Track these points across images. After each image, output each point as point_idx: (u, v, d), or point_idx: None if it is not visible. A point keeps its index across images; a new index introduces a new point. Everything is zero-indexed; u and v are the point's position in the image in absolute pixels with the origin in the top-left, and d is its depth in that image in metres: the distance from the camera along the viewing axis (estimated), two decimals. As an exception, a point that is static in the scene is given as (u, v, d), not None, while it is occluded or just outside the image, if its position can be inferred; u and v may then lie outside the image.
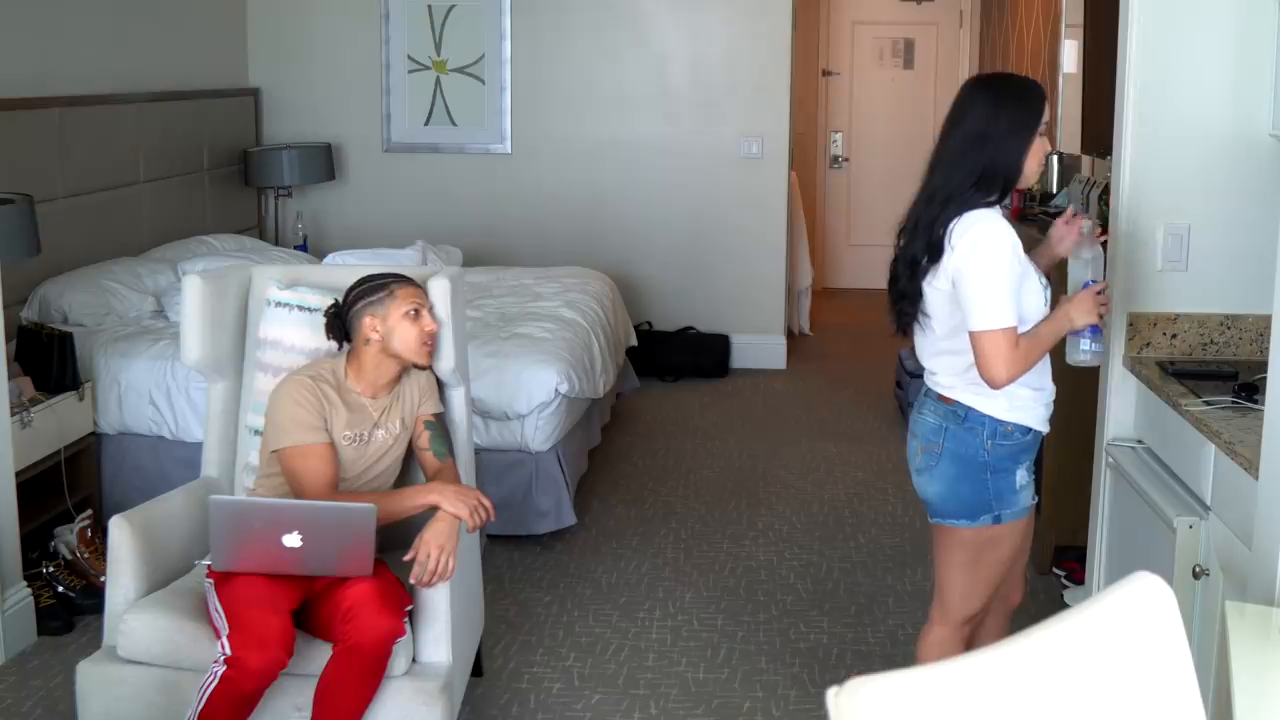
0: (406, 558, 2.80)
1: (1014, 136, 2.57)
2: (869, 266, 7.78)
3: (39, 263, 4.51)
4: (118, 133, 5.50)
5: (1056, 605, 3.85)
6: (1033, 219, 5.67)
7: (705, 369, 6.88)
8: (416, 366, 3.04)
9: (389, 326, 2.98)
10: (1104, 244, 2.85)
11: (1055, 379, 2.71)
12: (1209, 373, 3.01)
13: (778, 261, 7.09)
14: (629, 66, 6.97)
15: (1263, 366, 2.39)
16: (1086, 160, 5.92)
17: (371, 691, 2.75)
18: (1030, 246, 2.70)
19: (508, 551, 4.41)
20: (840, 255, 9.62)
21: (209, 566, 2.81)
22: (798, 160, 8.29)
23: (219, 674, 2.61)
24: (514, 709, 3.37)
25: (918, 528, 4.62)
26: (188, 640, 2.79)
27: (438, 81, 7.00)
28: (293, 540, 2.70)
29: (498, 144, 7.03)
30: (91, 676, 2.83)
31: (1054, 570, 4.13)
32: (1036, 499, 2.74)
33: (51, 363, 4.21)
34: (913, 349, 2.80)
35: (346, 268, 3.65)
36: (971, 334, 2.52)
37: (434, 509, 2.85)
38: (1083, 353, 2.68)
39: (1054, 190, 6.11)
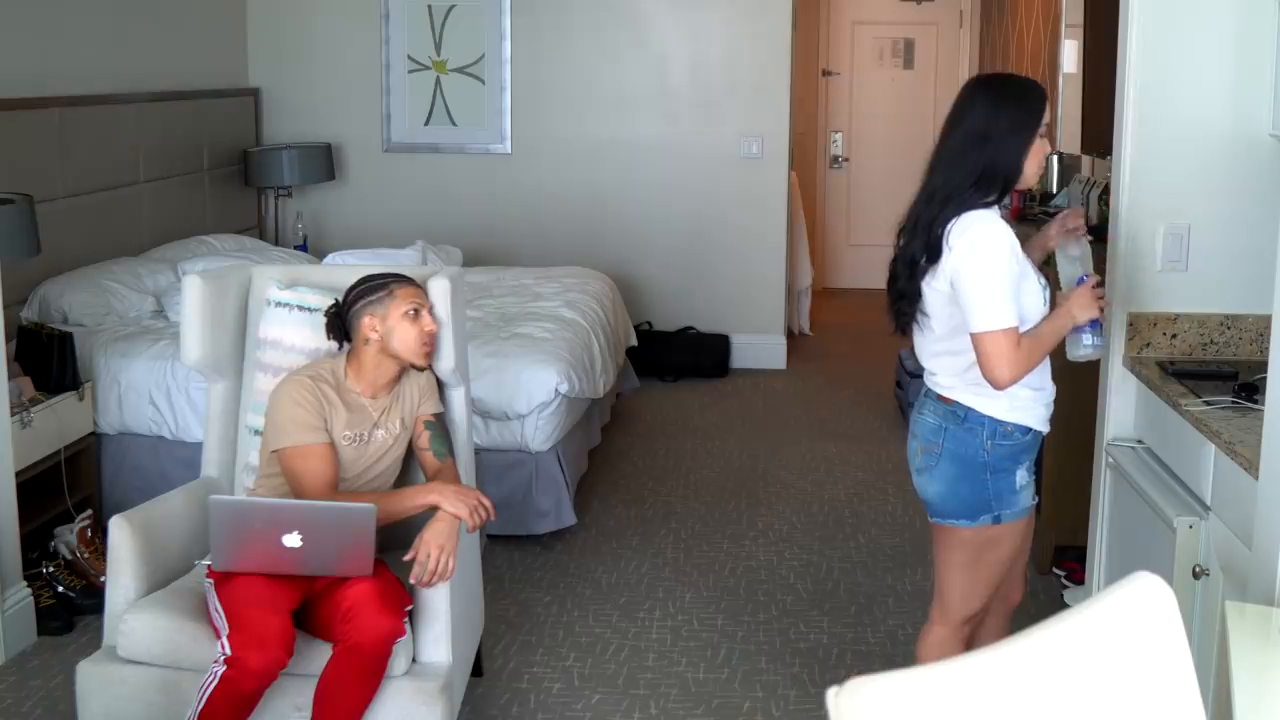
0: (406, 558, 2.80)
1: (1014, 137, 2.57)
2: (869, 266, 7.77)
3: (39, 263, 4.51)
4: (118, 133, 5.50)
5: (1056, 605, 3.85)
6: (1032, 219, 5.68)
7: (705, 369, 6.88)
8: (416, 367, 3.04)
9: (389, 326, 2.98)
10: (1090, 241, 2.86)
11: (1055, 379, 2.71)
12: (1209, 373, 3.01)
13: (778, 261, 7.09)
14: (629, 66, 6.97)
15: (1263, 366, 2.39)
16: (1086, 160, 5.92)
17: (371, 691, 2.75)
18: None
19: (508, 551, 4.41)
20: (840, 255, 9.62)
21: (209, 566, 2.81)
22: (798, 160, 8.29)
23: (219, 674, 2.61)
24: (514, 709, 3.37)
25: (918, 528, 4.62)
26: (188, 640, 2.79)
27: (438, 81, 7.00)
28: (293, 540, 2.70)
29: (498, 144, 7.03)
30: (91, 676, 2.83)
31: (1054, 570, 4.13)
32: (1037, 499, 2.74)
33: (51, 363, 4.21)
34: (912, 349, 2.80)
35: (346, 268, 3.65)
36: (973, 336, 2.52)
37: (434, 509, 2.85)
38: (1084, 347, 2.68)
39: (1054, 190, 6.12)
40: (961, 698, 1.34)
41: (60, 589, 3.87)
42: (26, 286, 4.79)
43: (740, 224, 7.01)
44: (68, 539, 3.97)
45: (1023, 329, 2.54)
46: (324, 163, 6.78)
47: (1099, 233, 4.01)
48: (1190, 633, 2.46)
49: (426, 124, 7.04)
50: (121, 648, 2.82)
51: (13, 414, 3.77)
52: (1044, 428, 2.68)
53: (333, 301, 3.10)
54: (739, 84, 6.92)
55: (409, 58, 6.98)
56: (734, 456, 5.53)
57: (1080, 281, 2.68)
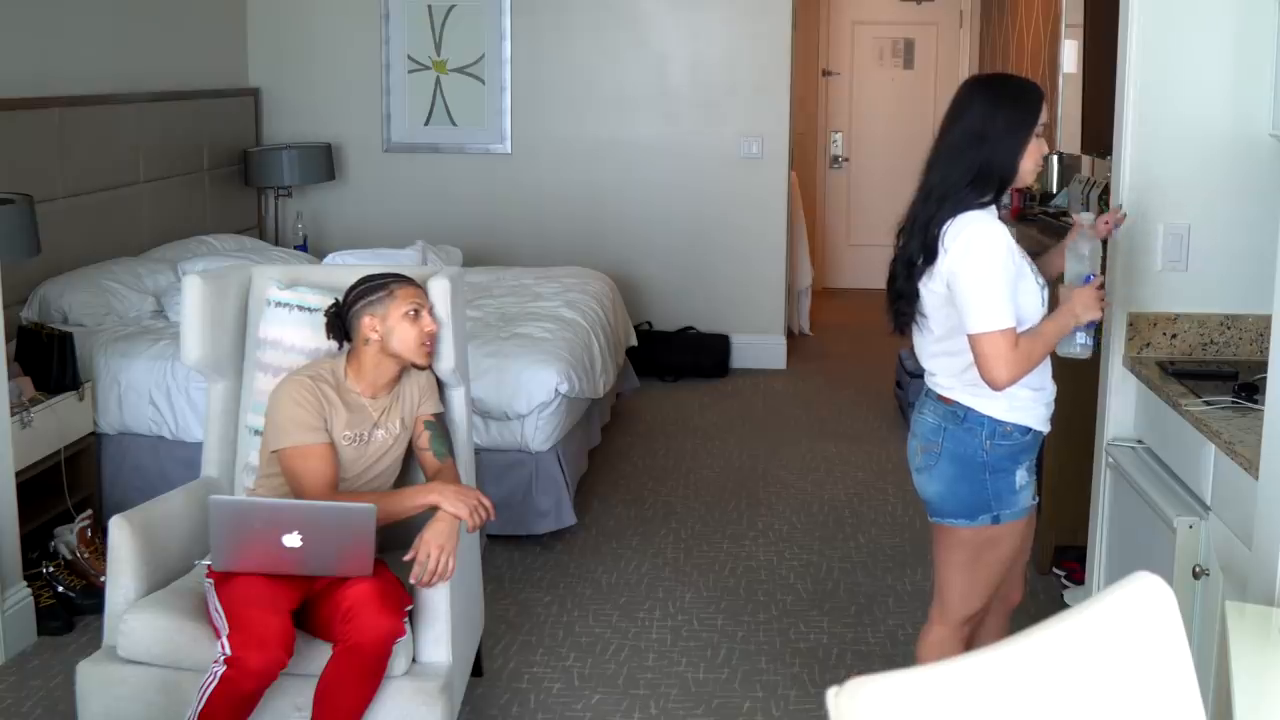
0: (406, 558, 2.80)
1: (1010, 136, 2.57)
2: (869, 266, 7.77)
3: (39, 263, 4.51)
4: (118, 133, 5.50)
5: (1056, 605, 3.85)
6: (1032, 219, 5.67)
7: (705, 369, 6.88)
8: (416, 367, 3.04)
9: (388, 326, 2.98)
10: (1109, 234, 2.85)
11: (1055, 378, 2.71)
12: (1209, 373, 3.01)
13: (778, 261, 7.09)
14: (629, 66, 6.97)
15: (1263, 366, 2.39)
16: (1086, 160, 5.92)
17: (371, 691, 2.75)
18: (1029, 246, 2.70)
19: (508, 551, 4.41)
20: (840, 255, 9.62)
21: (209, 566, 2.81)
22: (798, 160, 8.29)
23: (219, 674, 2.61)
24: (514, 709, 3.37)
25: (918, 528, 4.62)
26: (188, 640, 2.79)
27: (438, 81, 7.00)
28: (293, 540, 2.70)
29: (498, 144, 7.03)
30: (91, 676, 2.83)
31: (1054, 570, 4.13)
32: (1037, 499, 2.74)
33: (51, 363, 4.21)
34: (912, 349, 2.80)
35: (346, 268, 3.65)
36: (970, 337, 2.51)
37: (434, 509, 2.85)
38: (1077, 345, 2.68)
39: (1054, 190, 6.11)
40: (961, 698, 1.34)
41: (60, 589, 3.87)
42: (26, 286, 4.79)
43: (740, 224, 7.01)
44: (68, 539, 3.97)
45: (1020, 329, 2.54)
46: (324, 163, 6.78)
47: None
48: (1190, 633, 2.46)
49: (426, 124, 7.04)
50: (121, 648, 2.82)
51: (13, 414, 3.77)
52: (1044, 428, 2.68)
53: (333, 301, 3.10)
54: (739, 84, 6.92)
55: (409, 58, 6.98)
56: (734, 456, 5.53)
57: (1087, 280, 2.68)
